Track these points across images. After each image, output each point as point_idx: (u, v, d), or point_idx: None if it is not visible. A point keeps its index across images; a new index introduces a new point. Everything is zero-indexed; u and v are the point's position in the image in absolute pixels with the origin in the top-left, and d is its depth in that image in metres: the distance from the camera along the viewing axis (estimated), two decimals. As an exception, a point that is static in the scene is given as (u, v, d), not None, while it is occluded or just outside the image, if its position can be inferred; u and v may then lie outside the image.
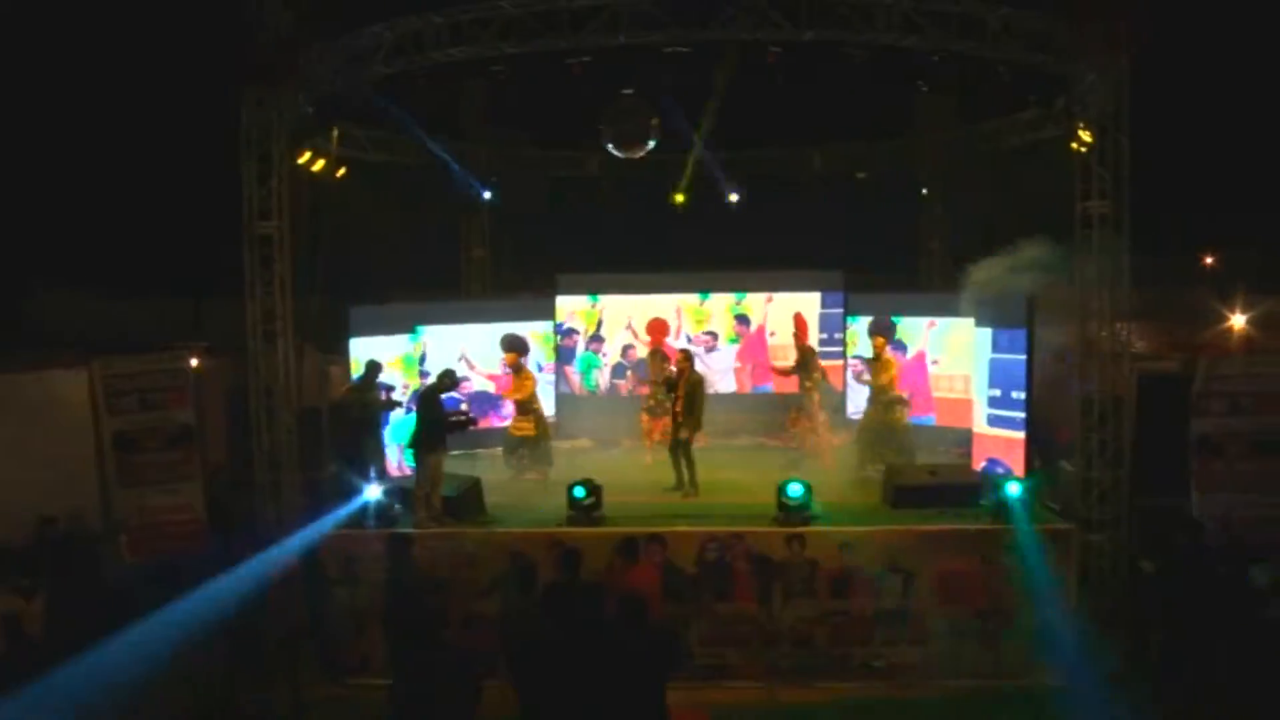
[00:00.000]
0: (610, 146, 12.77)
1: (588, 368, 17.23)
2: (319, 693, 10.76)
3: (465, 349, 15.30)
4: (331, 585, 11.39)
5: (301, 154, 12.76)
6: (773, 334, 16.67)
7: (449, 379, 12.09)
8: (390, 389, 13.39)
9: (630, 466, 14.54)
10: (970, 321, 13.47)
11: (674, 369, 13.65)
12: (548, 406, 16.03)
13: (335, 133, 13.11)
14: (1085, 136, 11.15)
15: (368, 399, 13.02)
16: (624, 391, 16.89)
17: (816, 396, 14.29)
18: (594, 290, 17.18)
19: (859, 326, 16.01)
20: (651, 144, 12.73)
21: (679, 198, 17.08)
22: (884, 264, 17.84)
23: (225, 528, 12.30)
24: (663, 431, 14.09)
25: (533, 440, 14.05)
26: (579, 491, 11.56)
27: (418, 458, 11.76)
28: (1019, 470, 12.09)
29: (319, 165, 13.44)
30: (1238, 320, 19.32)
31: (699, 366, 14.15)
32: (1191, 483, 11.97)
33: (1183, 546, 10.69)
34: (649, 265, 17.31)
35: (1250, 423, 11.92)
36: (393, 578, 10.67)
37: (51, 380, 12.33)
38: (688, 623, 11.15)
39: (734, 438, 16.21)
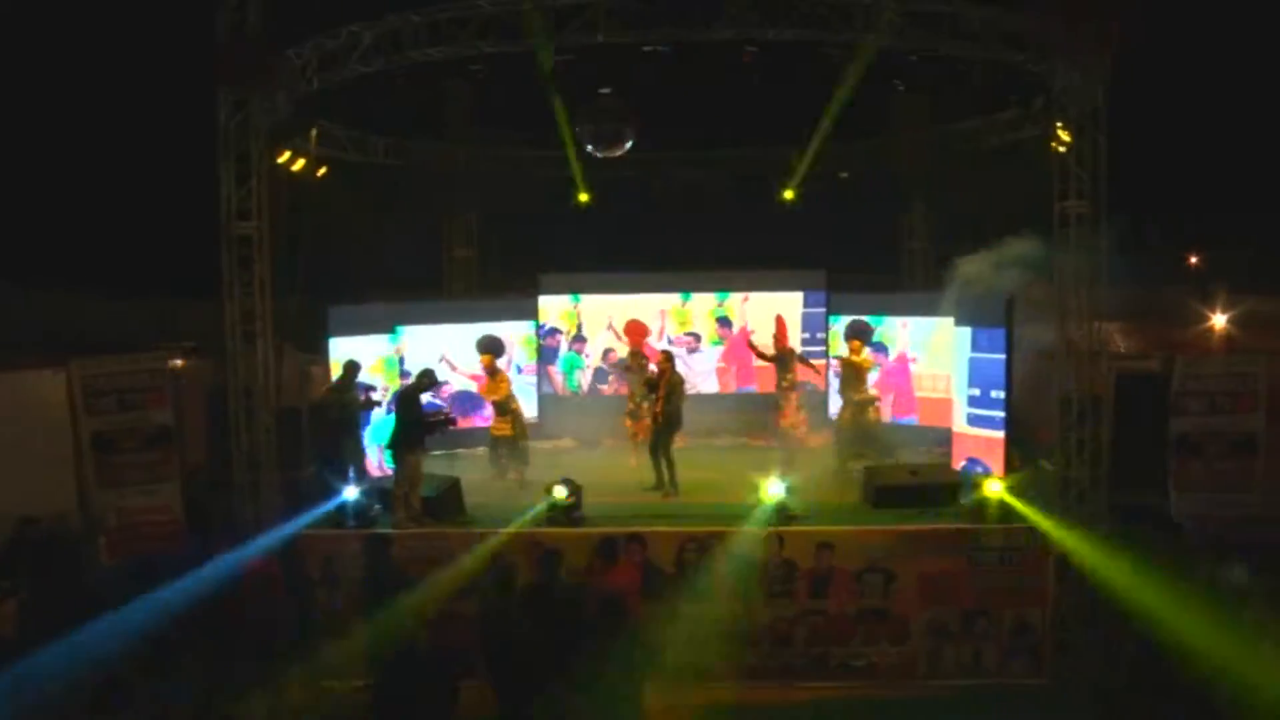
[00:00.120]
0: (588, 146, 12.76)
1: (570, 368, 17.22)
2: (299, 695, 10.71)
3: (446, 351, 15.26)
4: (313, 586, 11.38)
5: (281, 154, 12.74)
6: (753, 332, 16.65)
7: (428, 379, 12.07)
8: (370, 389, 13.36)
9: (612, 467, 14.53)
10: (949, 321, 13.50)
11: (654, 370, 13.65)
12: (530, 407, 16.03)
13: (314, 133, 13.07)
14: (1064, 136, 11.17)
15: (346, 399, 12.99)
16: (607, 393, 16.85)
17: (794, 396, 14.30)
18: (576, 290, 17.17)
19: (840, 327, 16.01)
20: (629, 143, 12.71)
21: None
22: (866, 264, 17.85)
23: (204, 528, 12.24)
24: (645, 433, 14.07)
25: (509, 440, 14.03)
26: (559, 492, 11.55)
27: (397, 458, 11.75)
28: (999, 470, 12.12)
29: (299, 165, 13.43)
30: (1219, 320, 19.41)
31: (680, 368, 14.15)
32: (1170, 482, 12.00)
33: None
34: (632, 265, 17.28)
35: (1228, 422, 11.95)
36: (370, 578, 10.64)
37: (29, 381, 12.27)
38: (666, 622, 11.13)
39: (716, 438, 16.21)
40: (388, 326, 14.64)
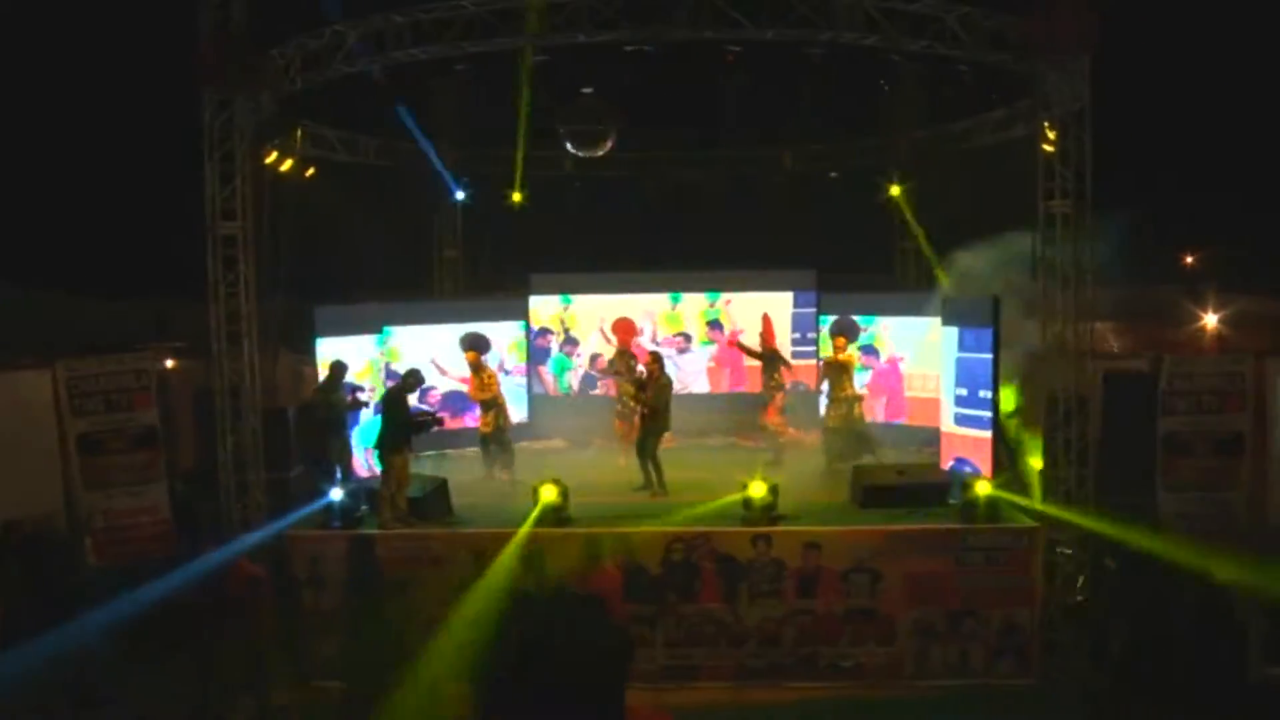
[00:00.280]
0: (569, 145, 12.75)
1: (561, 370, 17.20)
2: (285, 696, 10.69)
3: (436, 355, 15.20)
4: (300, 586, 11.37)
5: (268, 154, 12.74)
6: (741, 331, 16.56)
7: (414, 379, 12.04)
8: (358, 389, 13.33)
9: (601, 467, 14.49)
10: (937, 320, 13.50)
11: (643, 370, 13.62)
12: (521, 408, 16.05)
13: (299, 133, 13.06)
14: (1051, 135, 11.16)
15: (333, 400, 12.97)
16: (598, 394, 16.81)
17: (780, 396, 14.29)
18: (567, 290, 17.15)
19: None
20: (610, 142, 12.70)
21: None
22: (857, 263, 17.83)
23: (192, 529, 12.23)
24: (634, 433, 14.03)
25: (490, 436, 14.03)
26: (547, 492, 11.53)
27: (383, 458, 11.72)
28: (986, 469, 12.11)
29: (286, 165, 13.42)
30: (1211, 320, 19.42)
31: (670, 369, 14.13)
32: (1158, 481, 12.00)
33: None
34: (622, 265, 17.27)
35: (1216, 422, 11.95)
36: (355, 578, 10.62)
37: (15, 381, 12.26)
38: (653, 623, 11.14)
39: (705, 438, 16.20)
40: (376, 327, 14.61)
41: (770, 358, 14.40)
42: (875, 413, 15.51)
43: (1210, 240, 21.72)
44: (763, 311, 15.85)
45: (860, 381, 14.59)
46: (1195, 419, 12.00)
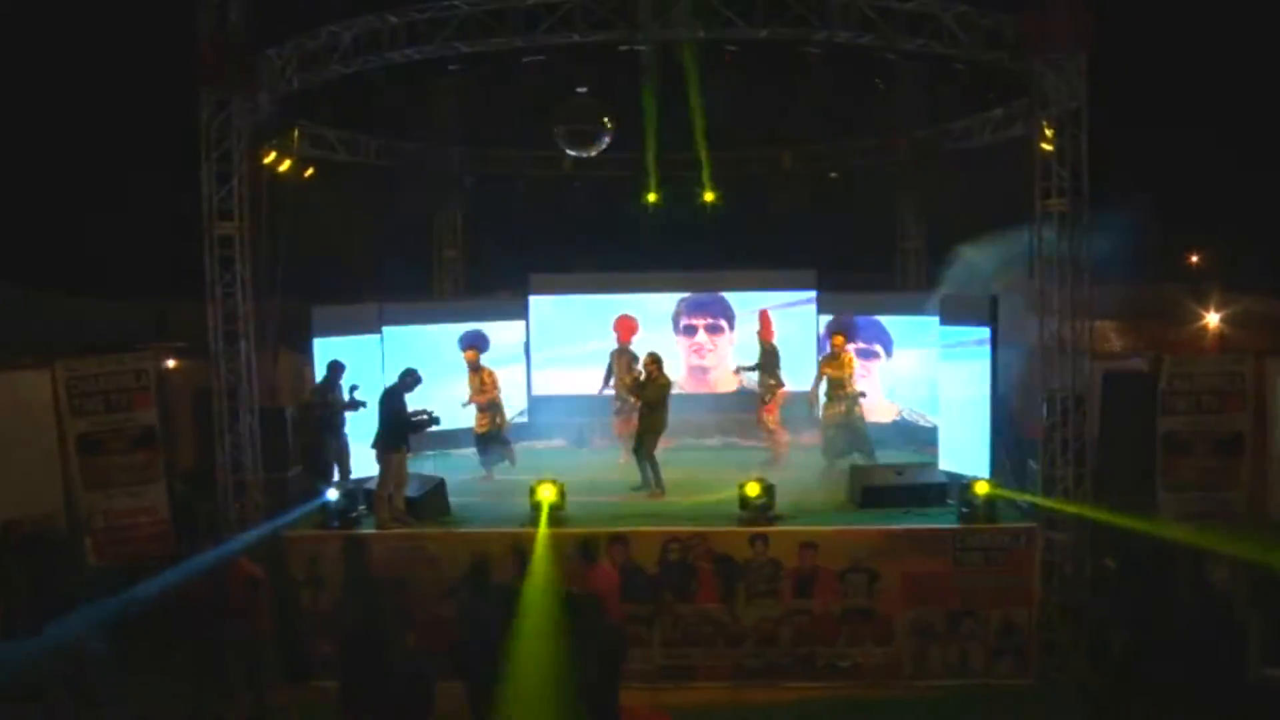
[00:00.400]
0: (562, 144, 12.74)
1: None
2: (283, 696, 10.71)
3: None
4: (297, 587, 11.39)
5: (266, 154, 12.75)
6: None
7: (411, 378, 12.03)
8: (355, 389, 13.31)
9: (600, 466, 14.47)
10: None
11: (641, 370, 13.59)
12: (520, 406, 16.07)
13: (295, 133, 13.08)
14: (1048, 133, 11.12)
15: (330, 400, 12.99)
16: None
17: (780, 393, 14.25)
18: (567, 290, 17.14)
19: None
20: (604, 142, 12.69)
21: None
22: (859, 263, 17.79)
23: (191, 529, 12.25)
24: (631, 432, 13.99)
25: (487, 436, 14.03)
26: (544, 492, 11.53)
27: (380, 458, 11.73)
28: (985, 469, 12.07)
29: (285, 165, 13.43)
30: (1213, 319, 19.37)
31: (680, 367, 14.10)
32: (1158, 481, 11.96)
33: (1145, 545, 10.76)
34: (622, 266, 17.27)
35: (1216, 421, 11.92)
36: (350, 579, 10.64)
37: (15, 382, 12.28)
38: (650, 623, 11.14)
39: (704, 437, 16.17)
40: (374, 327, 14.59)
41: (769, 353, 14.35)
42: (876, 413, 15.45)
43: (1215, 239, 21.62)
44: (760, 307, 15.62)
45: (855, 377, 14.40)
46: (1195, 419, 11.97)
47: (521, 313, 16.85)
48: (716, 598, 11.20)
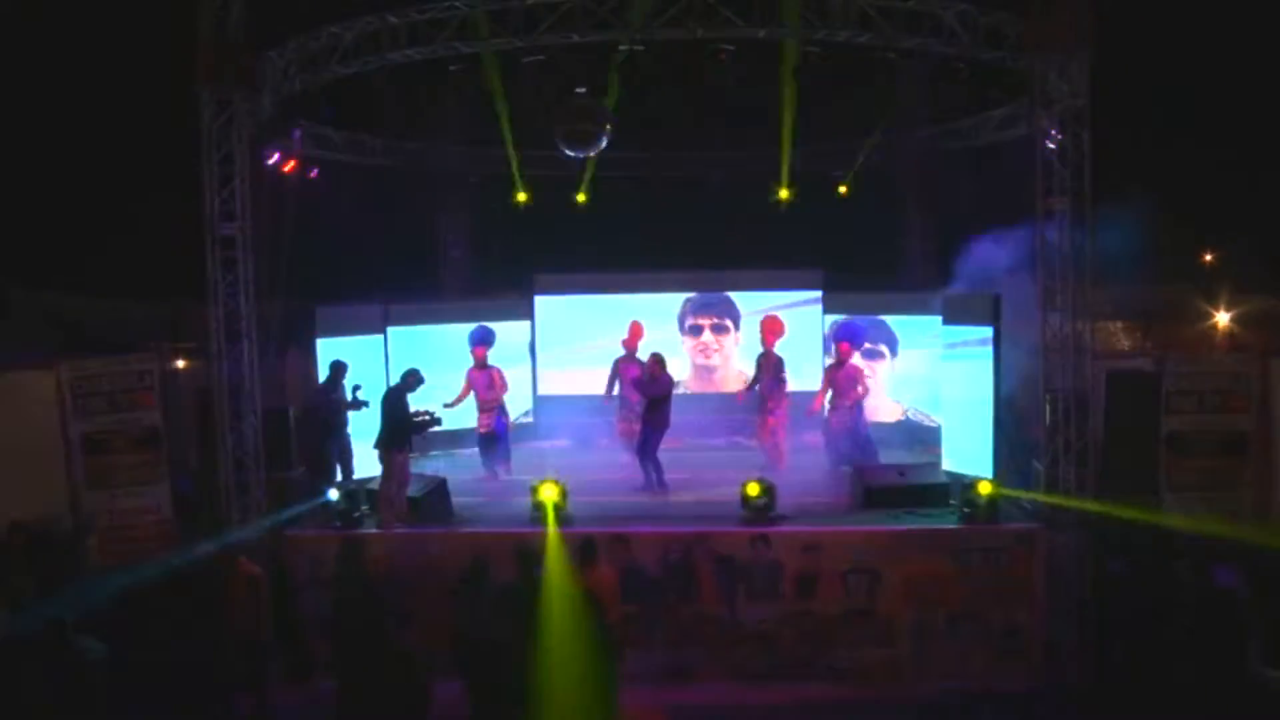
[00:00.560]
0: (561, 145, 12.74)
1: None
2: (285, 695, 10.72)
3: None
4: (299, 587, 11.41)
5: (270, 155, 12.79)
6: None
7: (413, 379, 12.04)
8: (358, 388, 13.34)
9: (603, 466, 14.46)
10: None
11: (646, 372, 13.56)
12: (525, 406, 16.06)
13: (297, 134, 13.12)
14: (1051, 131, 11.06)
15: (333, 400, 13.02)
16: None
17: (784, 404, 14.17)
18: (572, 290, 17.14)
19: (832, 329, 15.96)
20: (603, 143, 12.68)
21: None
22: (863, 264, 17.72)
23: (194, 529, 12.30)
24: (636, 433, 13.95)
25: (490, 436, 14.03)
26: (546, 492, 11.53)
27: (383, 458, 11.75)
28: (988, 469, 12.03)
29: (290, 165, 13.46)
30: (1223, 319, 19.27)
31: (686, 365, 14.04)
32: (1162, 481, 11.90)
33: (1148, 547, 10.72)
34: (627, 265, 17.27)
35: (1219, 421, 11.87)
36: (343, 580, 10.66)
37: (19, 382, 12.35)
38: (651, 624, 11.13)
39: (709, 437, 16.15)
40: (378, 327, 14.62)
41: (776, 364, 14.23)
42: (880, 414, 15.42)
43: (1225, 239, 21.51)
44: (767, 313, 15.52)
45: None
46: (1199, 419, 11.93)
47: (526, 312, 16.86)
48: (718, 598, 11.18)
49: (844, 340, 14.23)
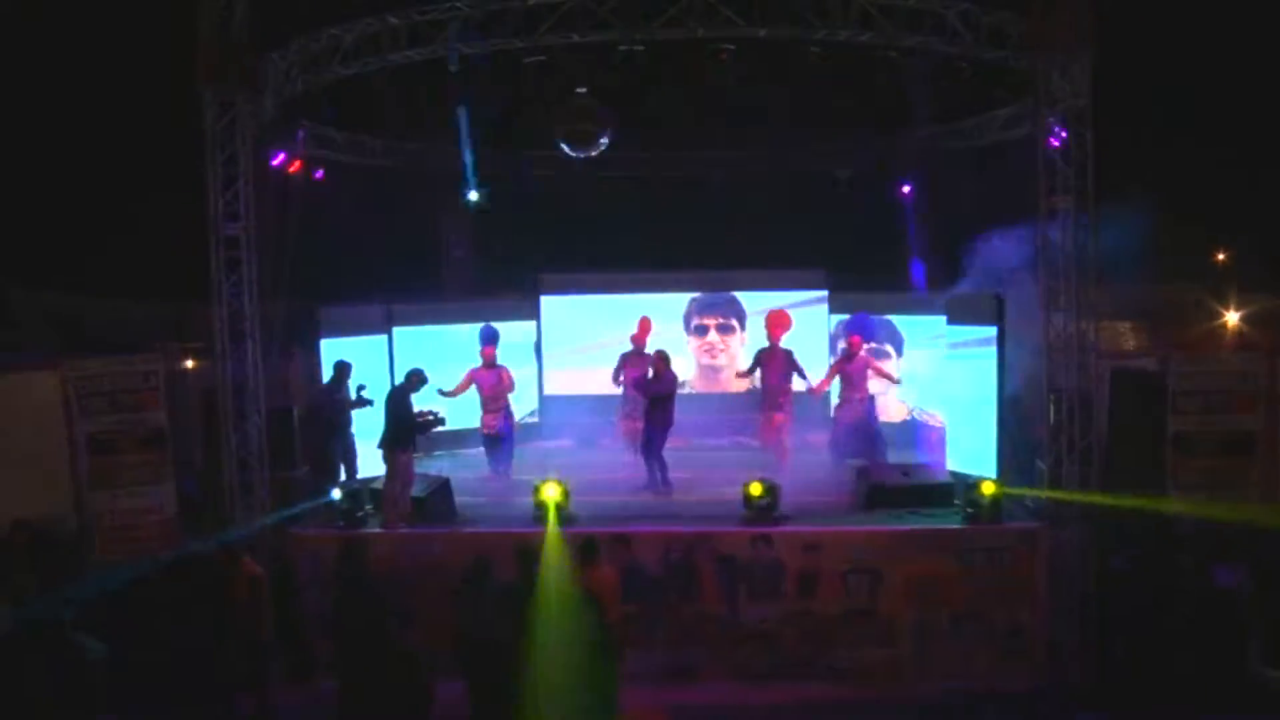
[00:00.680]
0: (562, 145, 12.76)
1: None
2: (287, 695, 10.75)
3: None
4: (301, 586, 11.44)
5: (275, 156, 12.84)
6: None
7: (417, 379, 12.06)
8: (363, 388, 13.36)
9: (607, 466, 14.44)
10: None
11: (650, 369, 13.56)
12: (530, 406, 16.06)
13: (300, 134, 13.16)
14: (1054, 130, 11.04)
15: (337, 400, 13.05)
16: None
17: (786, 403, 14.11)
18: (577, 289, 17.16)
19: (840, 325, 15.94)
20: (604, 143, 12.70)
21: None
22: (866, 262, 17.68)
23: (198, 529, 12.33)
24: (639, 432, 13.94)
25: (494, 437, 14.05)
26: (549, 491, 11.53)
27: (386, 458, 11.77)
28: (992, 469, 11.99)
29: (295, 166, 13.51)
30: (1232, 318, 19.19)
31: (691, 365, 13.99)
32: (1167, 481, 11.85)
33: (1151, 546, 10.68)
34: (630, 265, 17.28)
35: (1225, 421, 11.81)
36: (345, 579, 10.67)
37: (23, 383, 12.39)
38: (652, 624, 11.12)
39: (714, 437, 16.13)
40: (381, 327, 14.64)
41: (785, 358, 14.19)
42: (888, 412, 15.40)
43: (1233, 238, 21.39)
44: (773, 310, 15.47)
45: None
46: (1204, 418, 11.87)
47: (530, 312, 16.88)
48: (719, 598, 11.18)
49: (855, 333, 14.19)
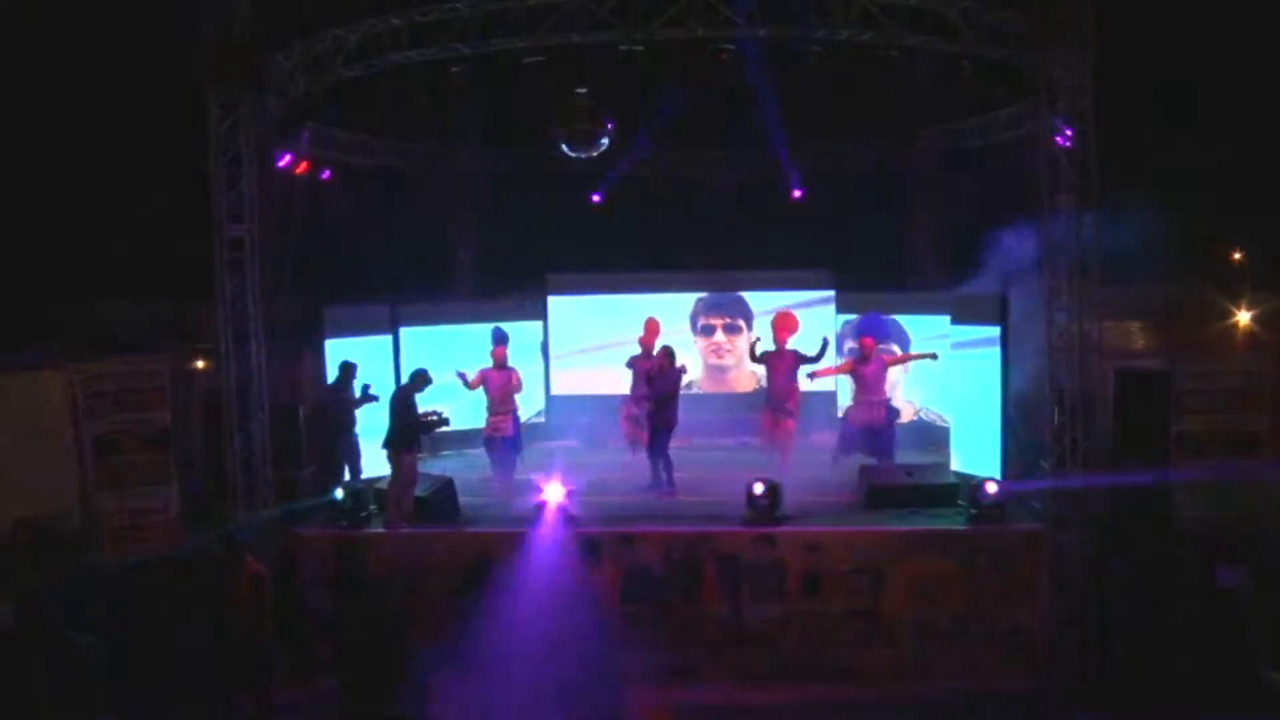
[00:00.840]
0: (563, 145, 12.78)
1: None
2: (288, 695, 10.77)
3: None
4: (304, 586, 11.48)
5: (282, 157, 12.88)
6: (757, 339, 15.95)
7: (421, 379, 12.08)
8: (368, 387, 13.38)
9: (612, 465, 14.43)
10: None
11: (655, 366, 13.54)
12: (537, 407, 16.08)
13: (305, 136, 13.20)
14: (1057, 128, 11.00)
15: (342, 399, 13.09)
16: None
17: (793, 400, 14.07)
18: (584, 290, 17.16)
19: (848, 326, 15.90)
20: (604, 143, 12.71)
21: None
22: (870, 264, 17.64)
23: (202, 529, 12.37)
24: (643, 431, 13.91)
25: (497, 439, 14.04)
26: (552, 492, 11.53)
27: (391, 458, 11.80)
28: (996, 469, 11.95)
29: (302, 167, 13.56)
30: (1244, 318, 19.04)
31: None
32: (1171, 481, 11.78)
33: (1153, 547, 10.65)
34: (636, 265, 17.27)
35: (1231, 422, 11.75)
36: (347, 580, 10.71)
37: (30, 383, 12.44)
38: (655, 624, 11.12)
39: (721, 437, 16.12)
40: (386, 327, 14.67)
41: (796, 359, 14.11)
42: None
43: (1244, 237, 21.22)
44: (778, 311, 15.39)
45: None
46: (1210, 419, 11.81)
47: (536, 312, 16.89)
48: (721, 598, 11.17)
49: (867, 335, 14.06)
